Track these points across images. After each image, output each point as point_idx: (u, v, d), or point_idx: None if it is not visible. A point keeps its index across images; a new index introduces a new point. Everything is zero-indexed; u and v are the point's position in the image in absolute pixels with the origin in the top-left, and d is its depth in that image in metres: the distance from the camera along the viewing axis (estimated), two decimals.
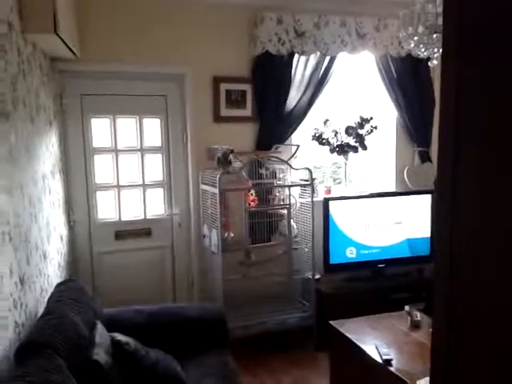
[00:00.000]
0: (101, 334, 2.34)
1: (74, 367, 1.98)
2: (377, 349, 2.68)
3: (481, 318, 0.89)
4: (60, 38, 2.70)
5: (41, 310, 2.42)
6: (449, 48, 0.94)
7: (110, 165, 3.76)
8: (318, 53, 3.98)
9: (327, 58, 4.04)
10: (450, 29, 0.94)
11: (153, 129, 3.85)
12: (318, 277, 3.89)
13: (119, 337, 2.36)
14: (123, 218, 3.81)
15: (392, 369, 2.50)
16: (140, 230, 3.85)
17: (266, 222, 3.84)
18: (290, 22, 3.85)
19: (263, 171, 3.92)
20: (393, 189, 4.49)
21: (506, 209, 0.82)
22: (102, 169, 3.75)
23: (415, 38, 2.66)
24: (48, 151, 3.05)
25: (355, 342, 2.82)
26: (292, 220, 3.78)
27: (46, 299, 2.53)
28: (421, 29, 2.62)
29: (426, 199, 4.16)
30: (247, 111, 3.97)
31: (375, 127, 4.18)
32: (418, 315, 3.02)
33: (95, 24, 3.52)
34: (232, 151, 3.49)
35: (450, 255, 0.94)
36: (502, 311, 0.84)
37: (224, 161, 3.46)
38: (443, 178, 0.95)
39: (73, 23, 3.21)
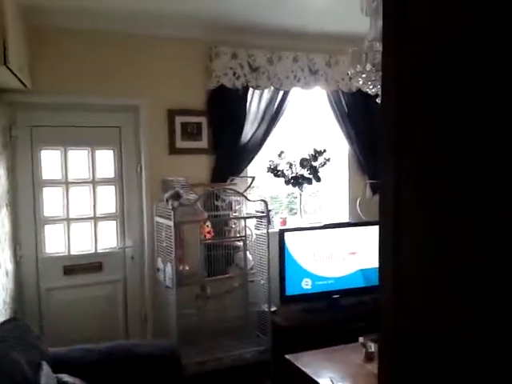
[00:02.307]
0: (46, 375, 2.23)
1: None
2: (331, 382, 2.67)
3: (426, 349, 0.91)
4: (10, 69, 2.65)
5: None
6: (387, 85, 0.98)
7: (60, 197, 3.66)
8: (272, 87, 4.07)
9: (281, 93, 4.13)
10: (389, 63, 0.98)
11: (106, 160, 3.79)
12: (274, 309, 3.87)
13: (66, 378, 2.26)
14: (72, 252, 3.69)
15: None
16: (90, 264, 3.73)
17: (221, 254, 3.80)
18: (245, 57, 3.93)
19: (219, 203, 3.91)
20: (346, 219, 4.57)
21: (445, 245, 0.86)
22: (52, 201, 3.64)
23: (363, 76, 2.76)
24: None
25: (311, 375, 2.81)
26: (248, 252, 3.77)
27: None
28: (368, 66, 2.72)
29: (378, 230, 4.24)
30: (203, 143, 3.98)
31: (328, 159, 4.27)
32: (373, 346, 3.04)
33: (47, 55, 3.47)
34: (178, 195, 3.44)
35: (393, 290, 0.96)
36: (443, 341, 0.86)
37: (174, 200, 3.43)
38: (385, 217, 0.98)
39: (23, 55, 3.16)
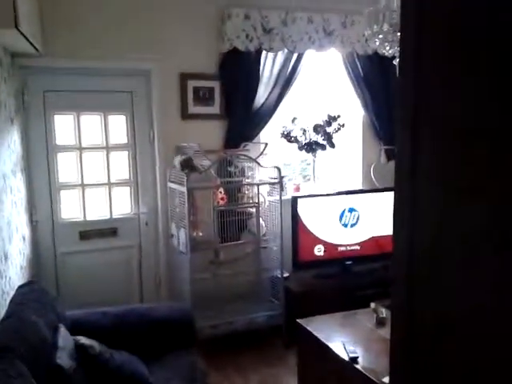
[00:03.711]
0: (64, 337, 2.28)
1: (36, 372, 1.92)
2: (344, 346, 2.70)
3: (439, 319, 0.90)
4: (21, 33, 2.61)
5: (2, 313, 2.35)
6: (407, 48, 0.94)
7: (74, 163, 3.67)
8: (286, 50, 3.98)
9: (295, 55, 4.04)
10: (409, 29, 0.94)
11: (118, 126, 3.77)
12: (286, 275, 3.90)
13: (83, 340, 2.31)
14: (88, 218, 3.73)
15: (358, 366, 2.53)
16: (106, 230, 3.77)
17: (234, 221, 3.81)
18: (258, 19, 3.83)
19: (232, 169, 3.89)
20: (360, 186, 4.53)
21: (463, 210, 0.83)
22: (66, 167, 3.66)
23: (380, 36, 2.68)
24: (9, 149, 2.95)
25: (322, 340, 2.83)
26: (261, 218, 3.77)
27: (7, 302, 2.45)
28: (386, 27, 2.64)
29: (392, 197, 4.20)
30: (215, 108, 3.93)
31: (342, 125, 4.21)
32: (384, 312, 3.05)
33: (58, 19, 3.42)
34: (190, 161, 3.43)
35: (408, 256, 0.95)
36: (459, 314, 0.85)
37: (186, 167, 3.42)
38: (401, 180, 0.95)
39: (35, 18, 3.11)
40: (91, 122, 3.69)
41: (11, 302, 2.39)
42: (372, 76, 4.30)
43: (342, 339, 2.81)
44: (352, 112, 4.49)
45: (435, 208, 0.90)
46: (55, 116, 3.58)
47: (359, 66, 4.28)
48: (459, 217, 0.84)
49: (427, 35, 0.89)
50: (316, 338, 2.88)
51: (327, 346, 2.77)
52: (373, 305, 3.14)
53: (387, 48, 2.87)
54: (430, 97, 0.89)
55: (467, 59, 0.80)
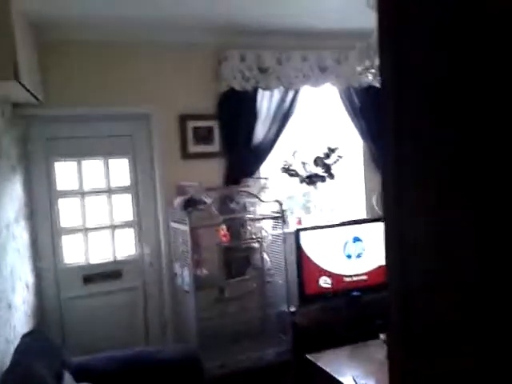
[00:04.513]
0: None
1: None
2: (354, 380, 2.66)
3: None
4: (22, 84, 2.69)
5: (7, 362, 2.33)
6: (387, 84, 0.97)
7: (77, 207, 3.70)
8: (282, 87, 4.06)
9: (291, 92, 4.11)
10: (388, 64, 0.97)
11: (120, 169, 3.82)
12: (293, 309, 3.85)
13: None
14: (91, 261, 3.73)
15: None
16: (110, 273, 3.77)
17: (238, 257, 3.80)
18: (253, 59, 3.92)
19: (233, 205, 3.91)
20: (364, 216, 4.53)
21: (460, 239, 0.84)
22: (69, 212, 3.69)
23: (372, 71, 2.73)
24: (12, 198, 2.99)
25: (333, 374, 2.79)
26: (265, 253, 3.77)
27: (11, 350, 2.44)
28: (377, 61, 2.69)
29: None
30: (215, 147, 3.99)
31: (341, 156, 4.24)
32: None
33: (58, 69, 3.51)
34: (192, 199, 3.47)
35: (402, 286, 0.95)
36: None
37: (189, 206, 3.45)
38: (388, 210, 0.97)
39: (35, 68, 3.21)
40: (93, 166, 3.75)
41: (16, 351, 2.39)
42: (368, 107, 4.35)
43: (353, 373, 2.77)
44: (352, 142, 4.54)
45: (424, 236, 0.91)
46: (56, 162, 3.64)
47: (355, 99, 4.35)
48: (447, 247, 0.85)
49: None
50: (326, 372, 2.84)
51: (338, 381, 2.72)
52: (382, 336, 3.10)
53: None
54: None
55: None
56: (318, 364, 2.94)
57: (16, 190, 3.13)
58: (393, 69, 0.97)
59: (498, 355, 0.77)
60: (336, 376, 2.77)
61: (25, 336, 2.53)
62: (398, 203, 0.95)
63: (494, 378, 0.78)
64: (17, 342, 2.54)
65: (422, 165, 0.91)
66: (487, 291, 0.78)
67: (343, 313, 3.99)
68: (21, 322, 2.89)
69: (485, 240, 0.78)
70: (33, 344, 2.40)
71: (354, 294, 4.12)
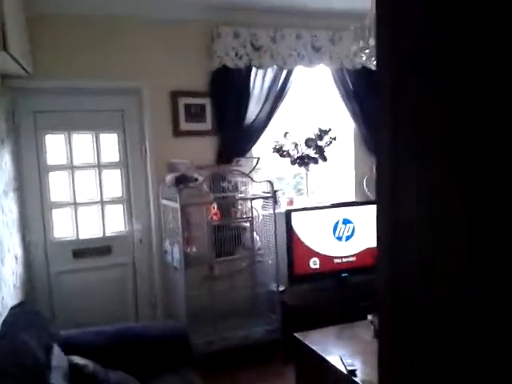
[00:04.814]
0: (58, 357, 2.26)
1: None
2: (341, 359, 2.69)
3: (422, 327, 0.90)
4: (10, 55, 2.63)
5: None
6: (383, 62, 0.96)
7: (67, 182, 3.67)
8: (276, 66, 4.02)
9: (284, 72, 4.08)
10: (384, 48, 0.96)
11: (110, 144, 3.78)
12: (282, 289, 3.88)
13: (77, 360, 2.29)
14: (81, 237, 3.71)
15: (357, 379, 2.51)
16: (99, 248, 3.76)
17: (229, 235, 3.81)
18: (247, 37, 3.88)
19: (225, 184, 3.90)
20: (353, 198, 4.55)
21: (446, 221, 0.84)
22: (58, 186, 3.65)
23: (366, 51, 2.72)
24: (1, 170, 2.95)
25: (320, 353, 2.82)
26: (255, 233, 3.77)
27: (0, 322, 2.43)
28: (372, 42, 2.68)
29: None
30: (207, 125, 3.96)
31: (334, 138, 4.24)
32: None
33: (48, 41, 3.45)
34: (183, 176, 3.45)
35: (392, 266, 0.96)
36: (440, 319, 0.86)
37: (180, 182, 3.43)
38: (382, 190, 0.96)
39: (24, 40, 3.14)
40: (83, 140, 3.70)
41: (4, 322, 2.37)
42: (361, 89, 4.34)
43: (340, 352, 2.80)
44: (343, 125, 4.53)
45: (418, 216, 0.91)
46: (46, 136, 3.59)
47: (348, 81, 4.33)
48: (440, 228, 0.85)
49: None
50: (313, 351, 2.86)
51: (325, 360, 2.75)
52: (370, 317, 3.13)
53: (374, 62, 2.92)
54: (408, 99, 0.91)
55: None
56: (306, 342, 2.97)
57: (5, 162, 3.09)
58: (388, 51, 0.95)
59: (490, 335, 0.78)
60: (323, 355, 2.80)
61: (13, 308, 2.52)
62: (393, 182, 0.94)
63: (487, 356, 0.79)
64: (5, 313, 2.53)
65: (419, 144, 0.91)
66: (481, 272, 0.78)
67: (331, 293, 4.03)
68: (9, 294, 2.88)
69: (480, 222, 0.78)
70: (21, 316, 2.39)
71: (343, 275, 4.16)
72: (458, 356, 0.85)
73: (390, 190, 0.98)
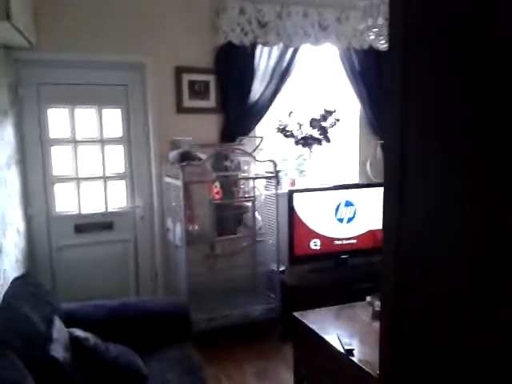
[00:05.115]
0: (58, 329, 2.28)
1: (30, 364, 1.92)
2: (339, 339, 2.70)
3: (426, 305, 0.90)
4: (14, 25, 2.60)
5: None
6: (395, 39, 0.94)
7: (69, 156, 3.65)
8: (282, 44, 3.97)
9: (290, 50, 4.03)
10: (397, 22, 0.94)
11: (113, 119, 3.76)
12: (282, 269, 3.90)
13: (78, 332, 2.31)
14: (83, 211, 3.72)
15: (354, 358, 2.53)
16: (101, 224, 3.76)
17: (230, 215, 3.80)
18: (253, 13, 3.82)
19: (228, 163, 3.89)
20: (356, 181, 4.53)
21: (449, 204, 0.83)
22: (61, 160, 3.64)
23: (375, 30, 2.68)
24: (3, 142, 2.94)
25: (318, 332, 2.83)
26: (257, 212, 3.77)
27: (1, 294, 2.45)
28: (380, 20, 2.64)
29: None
30: (211, 102, 3.93)
31: (338, 120, 4.21)
32: (380, 305, 3.05)
33: (52, 12, 3.40)
34: (188, 153, 3.43)
35: (396, 246, 0.95)
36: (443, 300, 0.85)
37: (184, 159, 3.41)
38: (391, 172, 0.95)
39: (28, 11, 3.09)
40: (86, 115, 3.68)
41: (5, 294, 2.39)
42: (368, 70, 4.29)
43: (338, 332, 2.81)
44: (349, 106, 4.49)
45: (423, 198, 0.90)
46: (49, 109, 3.57)
47: (355, 61, 4.28)
48: (449, 214, 0.84)
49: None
50: (311, 330, 2.88)
51: (323, 339, 2.77)
52: (369, 298, 3.14)
53: (382, 42, 2.88)
54: (421, 87, 0.89)
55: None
56: (304, 321, 2.98)
57: (7, 134, 3.07)
58: (401, 26, 0.93)
59: (491, 315, 0.77)
60: (321, 334, 2.81)
61: (15, 280, 2.53)
62: (402, 163, 0.93)
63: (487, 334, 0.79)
64: (7, 285, 2.54)
65: (428, 124, 0.89)
66: (482, 253, 0.78)
67: (331, 275, 4.05)
68: (12, 266, 2.89)
69: (488, 203, 0.77)
70: (23, 288, 2.40)
71: (343, 256, 4.17)
72: (458, 335, 0.85)
73: (398, 167, 0.96)
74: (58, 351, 2.09)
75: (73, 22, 3.47)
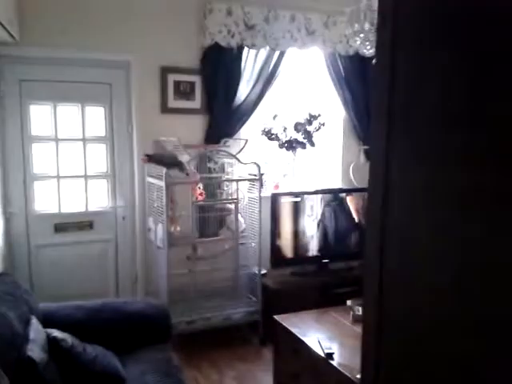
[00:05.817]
0: (36, 330, 2.23)
1: (6, 364, 1.87)
2: (319, 343, 2.71)
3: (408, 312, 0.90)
4: None
5: None
6: (383, 41, 0.95)
7: (50, 154, 3.60)
8: (268, 47, 3.98)
9: (277, 53, 4.04)
10: (386, 23, 0.94)
11: (96, 118, 3.71)
12: (264, 272, 3.89)
13: (55, 333, 2.26)
14: (63, 210, 3.66)
15: (334, 362, 2.53)
16: (81, 223, 3.71)
17: (213, 217, 3.79)
18: (240, 15, 3.82)
19: (211, 165, 3.87)
20: (339, 185, 4.55)
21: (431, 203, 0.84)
22: (42, 158, 3.58)
23: (361, 35, 2.70)
24: None
25: (298, 335, 2.84)
26: (240, 215, 3.76)
27: None
28: (367, 26, 2.66)
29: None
30: (196, 103, 3.91)
31: (323, 124, 4.22)
32: (360, 309, 3.07)
33: (36, 6, 3.35)
34: (180, 163, 3.41)
35: (380, 249, 0.95)
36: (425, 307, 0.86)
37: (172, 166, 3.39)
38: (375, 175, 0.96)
39: (11, 5, 3.05)
40: (68, 112, 3.63)
41: None
42: (353, 76, 4.32)
43: (318, 335, 2.82)
44: (333, 111, 4.51)
45: (406, 203, 0.91)
46: (31, 106, 3.51)
47: (340, 66, 4.31)
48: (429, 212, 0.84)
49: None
50: (292, 333, 2.88)
51: (303, 342, 2.77)
52: (349, 302, 3.16)
53: (368, 47, 2.90)
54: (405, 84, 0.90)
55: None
56: (285, 325, 2.98)
57: None
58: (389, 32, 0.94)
59: (482, 313, 0.78)
60: (301, 337, 2.82)
61: None
62: (387, 154, 0.94)
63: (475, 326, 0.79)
64: None
65: (412, 117, 0.90)
66: (469, 245, 0.78)
67: (312, 278, 4.05)
68: None
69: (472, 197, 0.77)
70: (0, 287, 2.35)
71: (324, 261, 4.18)
72: (443, 337, 0.85)
73: (383, 159, 0.96)
74: (35, 352, 2.05)
75: (58, 18, 3.42)
